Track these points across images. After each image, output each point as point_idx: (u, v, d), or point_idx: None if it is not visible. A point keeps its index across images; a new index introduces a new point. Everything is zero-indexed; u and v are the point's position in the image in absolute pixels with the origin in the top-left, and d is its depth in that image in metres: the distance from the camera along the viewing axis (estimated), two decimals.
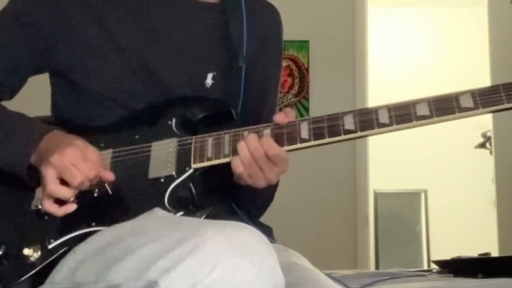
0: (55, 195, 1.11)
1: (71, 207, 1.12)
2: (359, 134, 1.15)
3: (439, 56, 5.81)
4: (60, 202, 1.12)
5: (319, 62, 4.28)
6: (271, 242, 1.32)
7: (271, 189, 1.28)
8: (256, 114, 1.32)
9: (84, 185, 1.12)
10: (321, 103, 4.18)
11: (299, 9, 4.02)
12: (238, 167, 1.15)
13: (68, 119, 1.30)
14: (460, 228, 5.42)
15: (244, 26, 1.32)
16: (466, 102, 1.12)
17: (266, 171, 1.16)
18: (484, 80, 3.75)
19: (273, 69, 1.45)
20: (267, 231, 1.32)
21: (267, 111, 1.40)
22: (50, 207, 1.12)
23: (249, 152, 1.15)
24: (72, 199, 1.12)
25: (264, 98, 1.41)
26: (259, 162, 1.15)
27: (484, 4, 3.91)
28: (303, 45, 4.22)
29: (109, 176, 1.16)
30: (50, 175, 1.10)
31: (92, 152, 1.14)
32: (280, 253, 0.99)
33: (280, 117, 1.18)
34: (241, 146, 1.15)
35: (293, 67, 4.27)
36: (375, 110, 1.15)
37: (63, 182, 1.11)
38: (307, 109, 4.21)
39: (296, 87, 4.26)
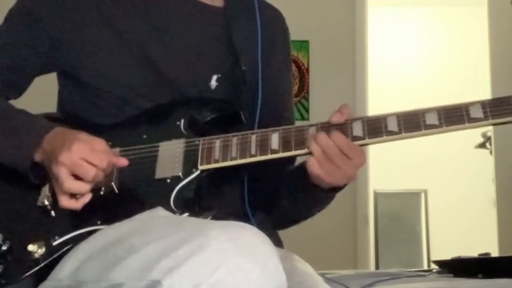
0: (72, 191, 1.11)
1: (87, 197, 1.12)
2: (367, 141, 1.14)
3: (439, 56, 5.82)
4: (75, 196, 1.12)
5: (319, 62, 4.29)
6: (279, 245, 1.32)
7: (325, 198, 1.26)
8: (274, 118, 1.30)
9: (98, 177, 1.12)
10: (321, 103, 4.18)
11: (299, 9, 4.02)
12: (314, 166, 1.14)
13: (75, 117, 1.30)
14: (460, 228, 5.42)
15: (259, 30, 1.32)
16: (476, 112, 1.11)
17: (342, 166, 1.14)
18: (484, 80, 3.76)
19: (285, 73, 1.45)
20: (273, 233, 1.33)
21: (286, 114, 1.40)
22: (67, 202, 1.12)
23: (321, 150, 1.13)
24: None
25: (279, 102, 1.40)
26: (334, 159, 1.13)
27: (484, 4, 3.91)
28: (303, 45, 4.23)
29: (123, 162, 1.15)
30: (63, 174, 1.10)
31: (98, 142, 1.14)
32: (283, 257, 0.99)
33: (336, 117, 1.16)
34: (314, 146, 1.14)
35: (293, 67, 4.27)
36: (384, 117, 1.15)
37: (77, 177, 1.11)
38: (307, 109, 4.21)
39: (296, 87, 4.26)
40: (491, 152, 4.00)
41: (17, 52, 1.30)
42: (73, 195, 1.12)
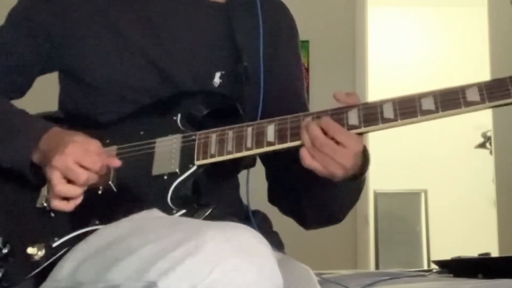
0: (63, 195, 1.11)
1: (79, 200, 1.12)
2: (363, 129, 1.12)
3: (439, 56, 5.82)
4: (68, 197, 1.12)
5: (319, 62, 4.28)
6: (280, 245, 1.32)
7: (351, 191, 1.24)
8: (288, 111, 1.25)
9: (91, 180, 1.12)
10: (321, 103, 4.14)
11: (299, 9, 4.00)
12: (305, 159, 1.10)
13: (76, 116, 1.31)
14: (460, 228, 5.42)
15: (260, 25, 1.31)
16: (473, 95, 1.08)
17: (334, 156, 1.10)
18: (484, 80, 3.76)
19: (294, 66, 1.43)
20: (273, 234, 1.32)
21: (300, 106, 1.39)
22: (58, 204, 1.12)
23: (311, 140, 1.10)
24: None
25: (292, 96, 1.39)
26: (324, 149, 1.09)
27: (484, 4, 3.91)
28: (303, 45, 4.22)
29: (115, 162, 1.15)
30: (55, 177, 1.10)
31: (92, 144, 1.13)
32: (281, 260, 0.98)
33: (341, 95, 1.13)
34: (304, 136, 1.11)
35: None
36: (380, 104, 1.12)
37: (70, 180, 1.11)
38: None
39: None
40: (491, 152, 4.00)
41: (18, 52, 1.31)
42: (65, 197, 1.12)
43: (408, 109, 1.10)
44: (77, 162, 1.10)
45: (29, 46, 1.30)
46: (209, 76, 1.29)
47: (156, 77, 1.27)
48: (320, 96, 4.25)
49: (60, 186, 1.10)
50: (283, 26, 1.43)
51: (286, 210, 1.36)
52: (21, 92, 1.35)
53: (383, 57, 5.68)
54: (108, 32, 1.27)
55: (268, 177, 1.39)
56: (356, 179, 1.18)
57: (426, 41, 5.90)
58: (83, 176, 1.10)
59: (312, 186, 1.23)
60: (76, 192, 1.11)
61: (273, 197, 1.38)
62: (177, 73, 1.27)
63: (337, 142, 1.10)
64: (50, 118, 1.26)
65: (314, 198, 1.27)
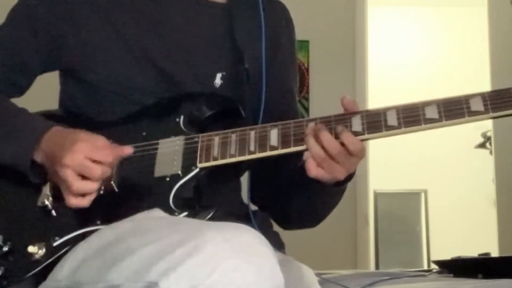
0: (82, 192, 1.11)
1: (94, 194, 1.12)
2: (366, 136, 1.12)
3: (439, 56, 5.82)
4: (83, 194, 1.12)
5: (319, 62, 4.28)
6: (280, 245, 1.31)
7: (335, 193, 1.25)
8: (281, 115, 1.26)
9: (106, 174, 1.12)
10: (321, 103, 4.18)
11: (299, 9, 4.00)
12: (311, 169, 1.12)
13: (77, 115, 1.31)
14: (460, 228, 5.42)
15: (263, 27, 1.31)
16: (476, 105, 1.08)
17: (344, 163, 1.12)
18: (484, 80, 3.76)
19: (291, 70, 1.44)
20: (274, 234, 1.32)
21: (293, 111, 1.39)
22: (75, 201, 1.12)
23: (322, 148, 1.11)
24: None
25: (286, 99, 1.39)
26: (337, 157, 1.11)
27: (484, 4, 3.91)
28: (303, 45, 4.22)
29: (127, 150, 1.15)
30: (69, 176, 1.10)
31: (99, 139, 1.14)
32: (281, 261, 0.98)
33: (348, 103, 1.13)
34: (312, 144, 1.11)
35: None
36: (384, 111, 1.12)
37: (84, 177, 1.11)
38: (307, 109, 4.21)
39: None
40: (491, 152, 4.00)
41: (19, 51, 1.31)
42: (80, 194, 1.12)
43: (411, 117, 1.11)
44: (89, 158, 1.10)
45: (29, 45, 1.30)
46: (210, 77, 1.30)
47: (157, 77, 1.27)
48: (320, 96, 4.25)
49: (77, 183, 1.10)
50: (283, 28, 1.43)
51: (269, 210, 1.37)
52: (21, 91, 1.35)
53: (383, 57, 5.68)
54: (109, 32, 1.27)
55: (253, 176, 1.38)
56: (347, 181, 1.19)
57: (426, 41, 5.90)
58: (97, 170, 1.10)
59: (305, 191, 1.24)
60: (93, 187, 1.11)
61: (257, 197, 1.38)
62: (178, 74, 1.28)
63: (349, 152, 1.11)
64: (50, 117, 1.26)
65: (305, 201, 1.28)
